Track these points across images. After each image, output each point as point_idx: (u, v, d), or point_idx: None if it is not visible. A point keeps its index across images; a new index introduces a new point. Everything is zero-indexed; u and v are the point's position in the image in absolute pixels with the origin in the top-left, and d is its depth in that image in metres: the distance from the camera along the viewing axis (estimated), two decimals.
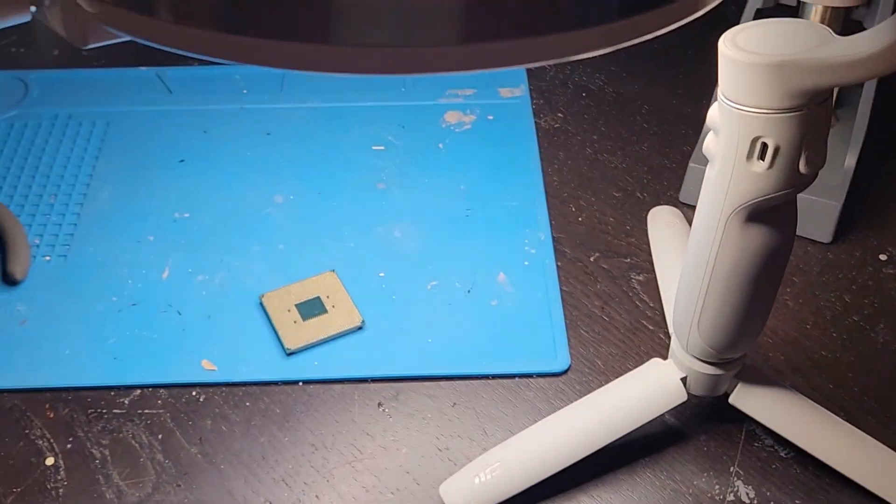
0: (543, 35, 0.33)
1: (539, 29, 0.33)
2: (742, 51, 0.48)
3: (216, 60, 0.35)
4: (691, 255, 0.58)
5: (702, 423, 0.66)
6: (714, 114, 0.52)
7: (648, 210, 0.81)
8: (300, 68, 0.34)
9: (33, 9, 0.39)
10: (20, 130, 0.88)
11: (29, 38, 0.97)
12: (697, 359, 0.62)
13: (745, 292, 0.56)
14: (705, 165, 0.79)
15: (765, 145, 0.49)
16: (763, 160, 0.50)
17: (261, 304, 0.73)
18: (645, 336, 0.72)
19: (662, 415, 0.64)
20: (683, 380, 0.63)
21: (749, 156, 0.50)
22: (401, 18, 0.31)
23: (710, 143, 0.53)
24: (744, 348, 0.61)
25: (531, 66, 0.35)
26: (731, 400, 0.64)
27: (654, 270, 0.76)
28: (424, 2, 0.31)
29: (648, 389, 0.63)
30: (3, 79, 0.94)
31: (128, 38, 0.37)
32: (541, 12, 0.32)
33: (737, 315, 0.57)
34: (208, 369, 0.69)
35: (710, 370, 0.62)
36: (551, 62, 0.34)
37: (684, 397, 0.63)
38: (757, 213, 0.53)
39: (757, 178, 0.51)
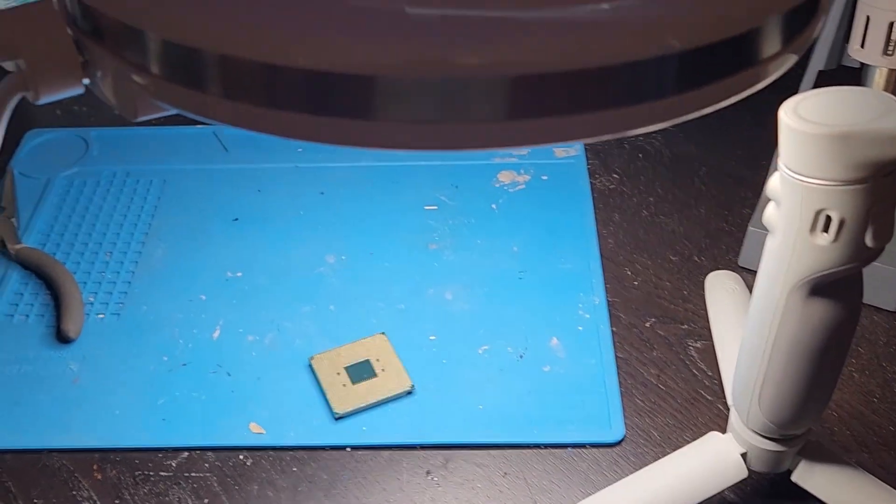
0: (595, 111, 0.32)
1: (590, 105, 0.31)
2: (804, 121, 0.47)
3: (263, 134, 0.34)
4: (751, 327, 0.56)
5: (762, 501, 0.64)
6: (775, 184, 0.50)
7: (706, 275, 0.79)
8: (345, 144, 0.34)
9: (86, 81, 0.39)
10: (79, 188, 0.89)
11: (91, 96, 0.98)
12: (758, 434, 0.59)
13: (807, 367, 0.54)
14: (765, 230, 0.77)
15: (829, 218, 0.48)
16: (827, 233, 0.48)
17: (310, 366, 0.72)
18: (703, 407, 0.70)
19: (721, 491, 0.61)
20: (744, 455, 0.61)
21: (812, 228, 0.49)
22: (446, 94, 0.30)
23: (771, 214, 0.51)
24: (807, 424, 0.58)
25: (583, 141, 0.34)
26: (793, 478, 0.61)
27: (711, 338, 0.74)
28: (470, 77, 0.30)
29: (707, 465, 0.61)
30: (65, 136, 0.96)
31: (175, 112, 0.37)
32: (592, 88, 0.31)
33: (799, 390, 0.55)
34: (256, 432, 0.68)
35: (772, 446, 0.59)
36: (603, 138, 0.33)
37: (745, 474, 0.61)
38: (820, 286, 0.51)
39: (820, 251, 0.49)
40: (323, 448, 0.68)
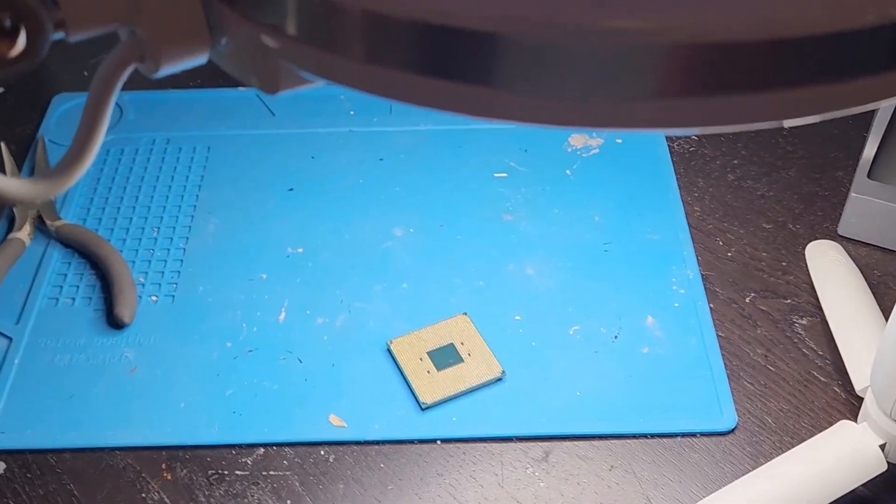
0: (782, 89, 0.26)
1: (775, 81, 0.26)
2: None
3: (412, 106, 0.29)
4: None
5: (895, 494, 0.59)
6: None
7: (804, 244, 0.74)
8: (493, 116, 0.28)
9: (209, 50, 0.33)
10: (116, 157, 0.83)
11: None
12: None
13: None
14: (869, 196, 0.72)
15: None
16: None
17: (389, 350, 0.66)
18: (817, 389, 0.65)
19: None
20: (882, 446, 0.56)
21: None
22: (593, 68, 0.25)
23: None
24: None
25: (768, 125, 0.28)
26: None
27: (817, 313, 0.69)
28: (622, 48, 0.25)
29: (842, 458, 0.56)
30: None
31: (319, 84, 0.31)
32: (788, 62, 0.25)
33: None
34: (337, 425, 0.63)
35: None
36: (795, 122, 0.27)
37: (884, 467, 0.56)
38: None
39: None
40: (411, 442, 0.62)
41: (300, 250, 0.74)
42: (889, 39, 0.26)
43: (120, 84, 0.33)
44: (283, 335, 0.68)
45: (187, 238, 0.75)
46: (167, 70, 0.32)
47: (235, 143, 0.83)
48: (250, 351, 0.67)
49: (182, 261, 0.74)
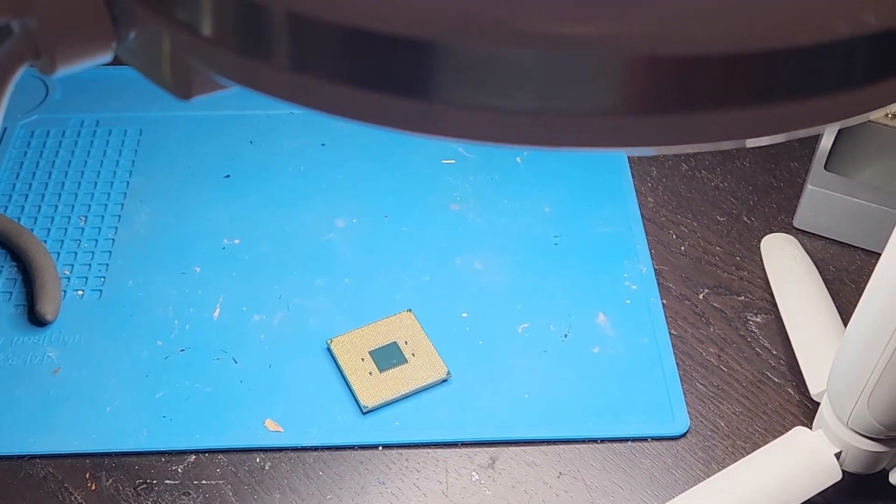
0: (748, 107, 0.23)
1: (744, 98, 0.23)
2: None
3: (341, 120, 0.26)
4: (866, 324, 0.48)
5: (850, 501, 0.57)
6: None
7: (759, 237, 0.72)
8: (428, 133, 0.25)
9: (114, 46, 0.29)
10: (41, 139, 0.78)
11: None
12: (859, 434, 0.52)
13: None
14: (826, 189, 0.70)
15: None
16: None
17: (329, 349, 0.63)
18: (770, 390, 0.63)
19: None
20: (837, 455, 0.54)
21: None
22: (542, 79, 0.22)
23: None
24: None
25: (728, 146, 0.25)
26: (893, 479, 0.55)
27: (772, 310, 0.67)
28: (573, 58, 0.22)
29: (797, 467, 0.54)
30: (22, 78, 0.83)
31: (236, 89, 0.28)
32: (754, 78, 0.23)
33: None
34: (273, 430, 0.60)
35: (873, 446, 0.53)
36: (762, 142, 0.25)
37: (839, 476, 0.54)
38: None
39: None
40: (351, 448, 0.60)
41: (237, 242, 0.70)
42: (862, 52, 0.24)
43: (11, 84, 0.29)
44: (217, 333, 0.65)
45: (116, 228, 0.71)
46: (66, 68, 0.29)
47: (169, 126, 0.79)
48: (182, 350, 0.64)
49: (110, 253, 0.69)
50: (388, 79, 0.24)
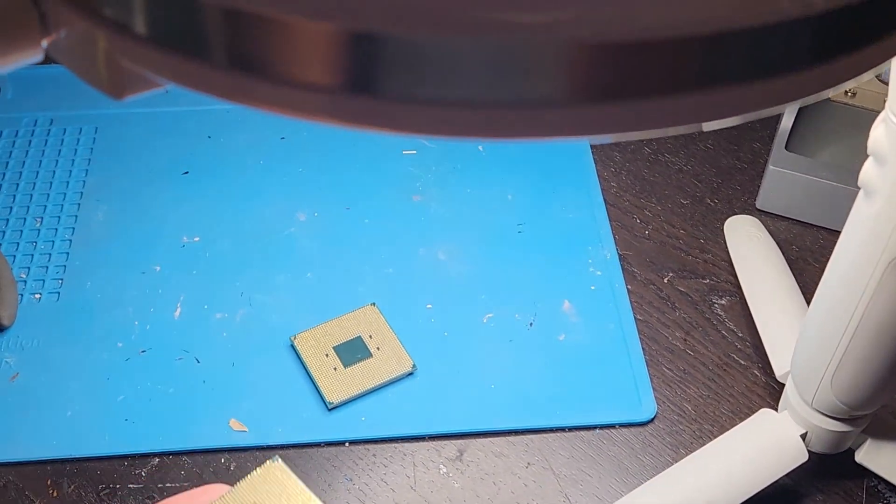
0: (702, 90, 0.23)
1: (697, 82, 0.23)
2: None
3: (282, 117, 0.25)
4: (826, 304, 0.48)
5: (817, 481, 0.58)
6: (879, 138, 0.42)
7: (722, 219, 0.72)
8: (373, 127, 0.25)
9: (45, 44, 0.28)
10: None
11: None
12: (823, 414, 0.53)
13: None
14: (787, 169, 0.70)
15: None
16: None
17: (293, 346, 0.62)
18: (736, 373, 0.63)
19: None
20: (803, 436, 0.54)
21: None
22: (493, 68, 0.22)
23: (871, 174, 0.43)
24: (882, 402, 0.52)
25: (680, 131, 0.25)
26: (859, 458, 0.55)
27: (737, 293, 0.67)
28: (517, 46, 0.21)
29: (764, 449, 0.54)
30: None
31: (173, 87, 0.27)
32: (699, 60, 0.22)
33: (882, 370, 0.48)
34: (238, 430, 0.59)
35: (838, 426, 0.53)
36: (711, 126, 0.24)
37: (805, 457, 0.54)
38: None
39: None
40: (317, 445, 0.59)
41: (197, 239, 0.69)
42: (812, 31, 0.23)
43: None
44: (178, 333, 0.64)
45: (73, 229, 0.70)
46: None
47: (125, 123, 0.78)
48: (143, 352, 0.63)
49: (68, 254, 0.68)
50: (327, 73, 0.23)
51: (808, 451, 0.54)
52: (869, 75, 0.24)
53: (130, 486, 0.57)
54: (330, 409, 0.60)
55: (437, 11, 0.21)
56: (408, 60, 0.22)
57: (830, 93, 0.25)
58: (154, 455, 0.58)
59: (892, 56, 0.26)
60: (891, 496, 0.57)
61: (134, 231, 0.70)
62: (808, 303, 0.63)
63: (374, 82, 0.23)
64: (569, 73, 0.22)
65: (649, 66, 0.22)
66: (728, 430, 0.57)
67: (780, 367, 0.58)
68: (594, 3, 0.21)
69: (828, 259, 0.67)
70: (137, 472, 0.57)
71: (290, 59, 0.23)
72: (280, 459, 0.40)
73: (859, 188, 0.44)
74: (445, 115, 0.23)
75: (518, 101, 0.23)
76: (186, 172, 0.74)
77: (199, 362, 0.62)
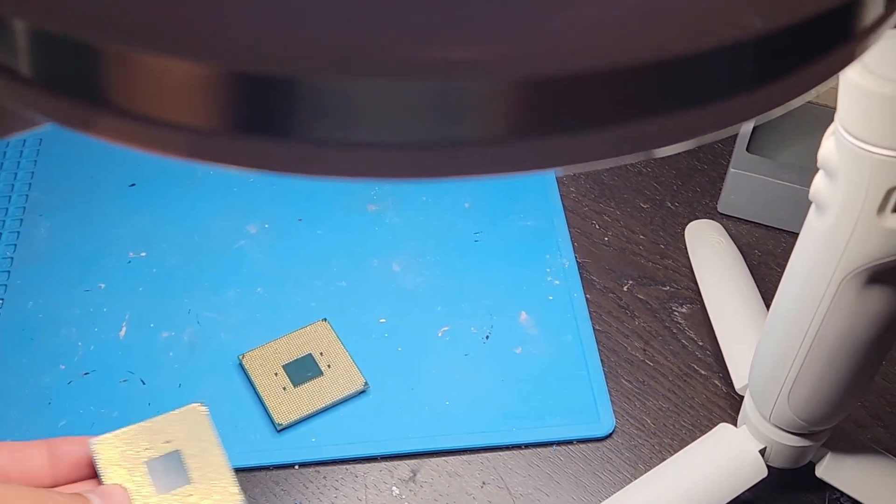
0: (649, 118, 0.21)
1: (642, 110, 0.21)
2: (880, 77, 0.37)
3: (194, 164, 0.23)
4: (781, 319, 0.47)
5: (778, 494, 0.56)
6: (829, 152, 0.40)
7: (683, 223, 0.70)
8: (303, 174, 0.23)
9: None
10: None
11: None
12: (781, 429, 0.51)
13: (853, 361, 0.46)
14: (748, 172, 0.69)
15: None
16: None
17: (241, 365, 0.61)
18: (696, 383, 0.62)
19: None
20: (762, 451, 0.53)
21: (881, 209, 0.40)
22: (427, 109, 0.20)
23: (822, 188, 0.42)
24: (841, 417, 0.51)
25: (621, 162, 0.23)
26: (819, 473, 0.54)
27: (697, 300, 0.65)
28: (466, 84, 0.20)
29: (722, 466, 0.53)
30: None
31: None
32: (641, 88, 0.21)
33: (840, 386, 0.47)
34: None
35: (797, 441, 0.51)
36: (655, 154, 0.23)
37: (764, 473, 0.53)
38: (880, 274, 0.42)
39: (889, 235, 0.40)
40: (266, 468, 0.57)
41: (143, 255, 0.67)
42: (753, 54, 0.22)
43: None
44: (124, 353, 0.62)
45: (15, 246, 0.68)
46: None
47: (70, 136, 0.75)
48: (87, 374, 0.61)
49: (9, 272, 0.66)
50: (254, 120, 0.21)
51: (768, 466, 0.53)
52: (822, 88, 0.23)
53: None
54: (279, 431, 0.58)
55: (372, 55, 0.19)
56: (346, 106, 0.20)
57: (779, 111, 0.24)
58: None
59: (835, 73, 0.24)
60: None
61: (78, 247, 0.68)
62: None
63: (292, 125, 0.21)
64: (511, 110, 0.20)
65: (592, 96, 0.20)
66: (688, 443, 0.56)
67: (739, 380, 0.57)
68: (531, 38, 0.20)
69: None
70: None
71: (177, 100, 0.21)
72: (205, 406, 0.40)
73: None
74: (367, 156, 0.22)
75: (460, 140, 0.21)
76: (133, 185, 0.72)
77: (144, 384, 0.60)
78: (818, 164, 0.42)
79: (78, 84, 0.22)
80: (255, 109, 0.21)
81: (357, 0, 0.19)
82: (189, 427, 0.42)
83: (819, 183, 0.42)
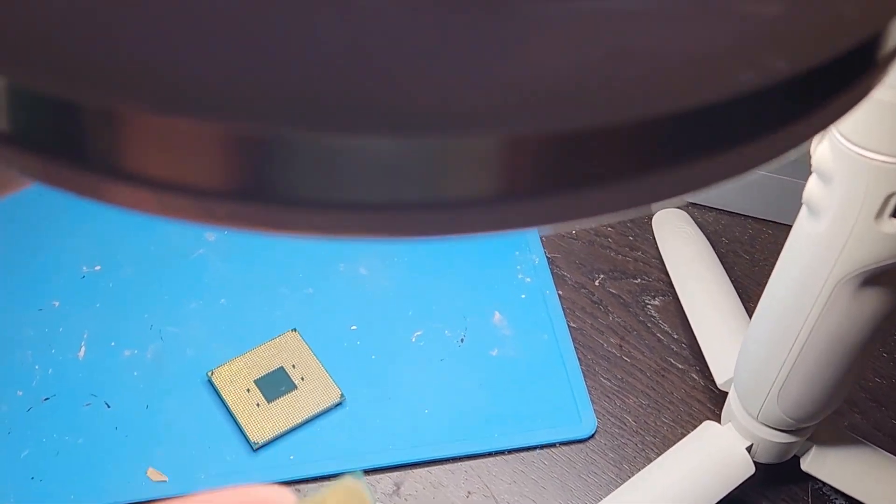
0: (653, 172, 0.20)
1: (648, 165, 0.20)
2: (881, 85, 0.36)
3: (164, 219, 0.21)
4: (771, 320, 0.47)
5: (763, 487, 0.56)
6: (824, 157, 0.40)
7: (651, 214, 0.70)
8: (280, 232, 0.21)
9: None
10: None
11: None
12: (769, 427, 0.51)
13: (845, 361, 0.46)
14: None
15: None
16: None
17: (210, 382, 0.58)
18: (674, 378, 0.61)
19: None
20: (749, 448, 0.53)
21: (879, 214, 0.39)
22: (413, 168, 0.19)
23: (816, 193, 0.41)
24: (827, 414, 0.51)
25: (616, 219, 0.22)
26: (804, 467, 0.54)
27: (670, 292, 0.65)
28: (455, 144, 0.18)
29: (709, 465, 0.53)
30: None
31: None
32: (648, 143, 0.19)
33: (830, 385, 0.47)
34: (157, 480, 0.55)
35: (784, 438, 0.51)
36: (660, 207, 0.22)
37: (752, 470, 0.53)
38: (874, 277, 0.42)
39: (887, 240, 0.40)
40: None
41: (98, 268, 0.64)
42: (775, 99, 0.20)
43: None
44: (85, 375, 0.59)
45: None
46: None
47: None
48: (47, 399, 0.58)
49: None
50: (217, 177, 0.19)
51: (754, 462, 0.53)
52: (823, 131, 0.22)
53: None
54: (255, 450, 0.56)
55: (357, 113, 0.18)
56: (331, 164, 0.19)
57: (792, 156, 0.22)
58: None
59: (843, 114, 0.23)
60: (836, 498, 0.56)
61: (29, 263, 0.64)
62: (741, 298, 0.62)
63: (278, 187, 0.19)
64: (505, 170, 0.19)
65: (593, 152, 0.19)
66: (670, 439, 0.56)
67: (720, 375, 0.57)
68: (526, 94, 0.18)
69: (759, 250, 0.66)
70: None
71: (174, 160, 0.19)
72: (363, 475, 0.37)
73: (800, 197, 0.42)
74: (369, 219, 0.20)
75: (449, 201, 0.19)
76: None
77: (109, 407, 0.58)
78: (812, 168, 0.41)
79: (65, 144, 0.20)
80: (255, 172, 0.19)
81: (346, 51, 0.17)
82: None
83: (812, 187, 0.41)
